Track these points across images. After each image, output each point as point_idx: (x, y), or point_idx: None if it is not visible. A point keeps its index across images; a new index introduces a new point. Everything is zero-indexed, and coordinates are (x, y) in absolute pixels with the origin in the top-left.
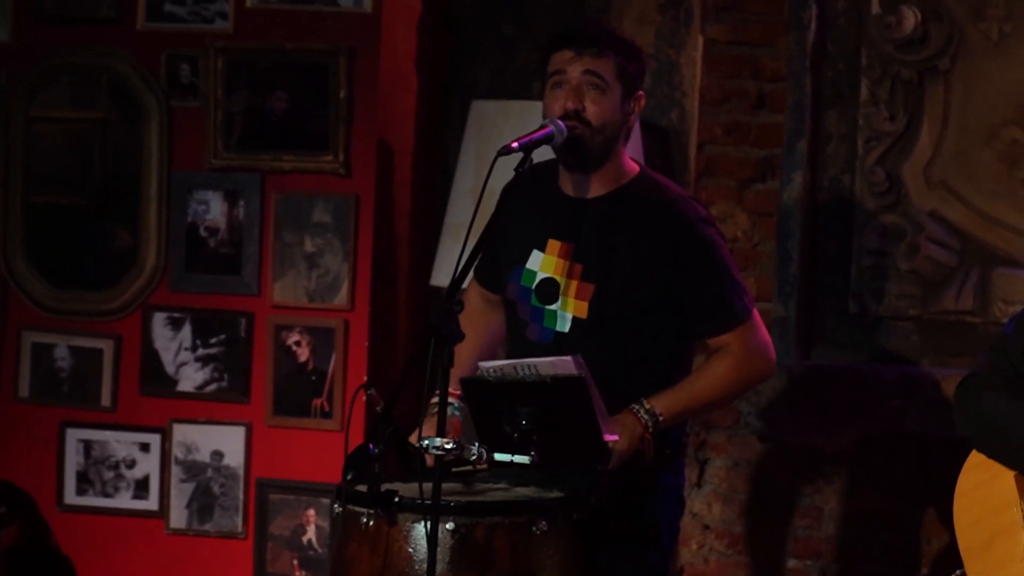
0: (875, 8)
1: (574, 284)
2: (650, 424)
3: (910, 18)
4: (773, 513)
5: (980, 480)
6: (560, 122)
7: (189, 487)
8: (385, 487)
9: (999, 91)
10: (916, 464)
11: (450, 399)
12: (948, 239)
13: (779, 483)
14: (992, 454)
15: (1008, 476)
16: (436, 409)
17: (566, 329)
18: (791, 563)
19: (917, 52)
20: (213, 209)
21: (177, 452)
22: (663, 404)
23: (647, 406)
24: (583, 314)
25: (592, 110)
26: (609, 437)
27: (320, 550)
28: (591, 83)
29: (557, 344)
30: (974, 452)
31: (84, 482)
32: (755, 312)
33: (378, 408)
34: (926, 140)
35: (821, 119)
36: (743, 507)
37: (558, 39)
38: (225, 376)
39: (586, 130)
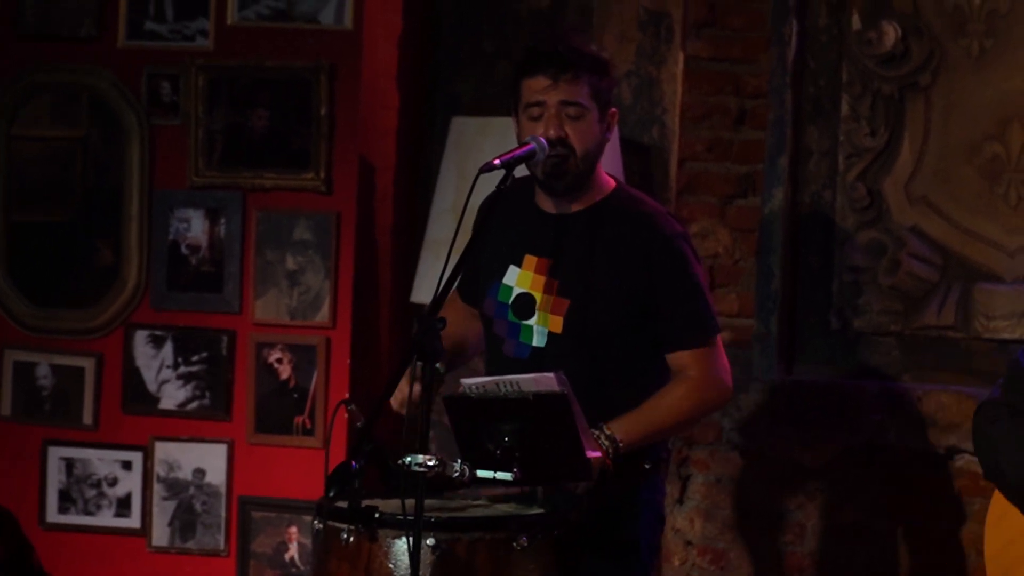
0: (856, 24)
1: (550, 299)
2: (610, 450)
3: (891, 34)
4: (756, 529)
5: (1008, 507)
6: (542, 139)
7: (171, 505)
8: (365, 503)
9: (980, 106)
10: (898, 480)
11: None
12: (929, 255)
13: (761, 499)
14: (1001, 488)
15: None
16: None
17: (543, 344)
18: None
19: (898, 68)
20: (194, 227)
21: (159, 470)
22: (623, 430)
23: (608, 432)
24: (559, 329)
25: (575, 137)
26: (592, 454)
27: (303, 567)
28: (569, 113)
29: (533, 359)
30: None
31: (66, 500)
32: (719, 338)
33: (358, 423)
34: (907, 156)
35: (802, 135)
36: (725, 523)
37: (530, 63)
38: (207, 394)
39: (572, 156)
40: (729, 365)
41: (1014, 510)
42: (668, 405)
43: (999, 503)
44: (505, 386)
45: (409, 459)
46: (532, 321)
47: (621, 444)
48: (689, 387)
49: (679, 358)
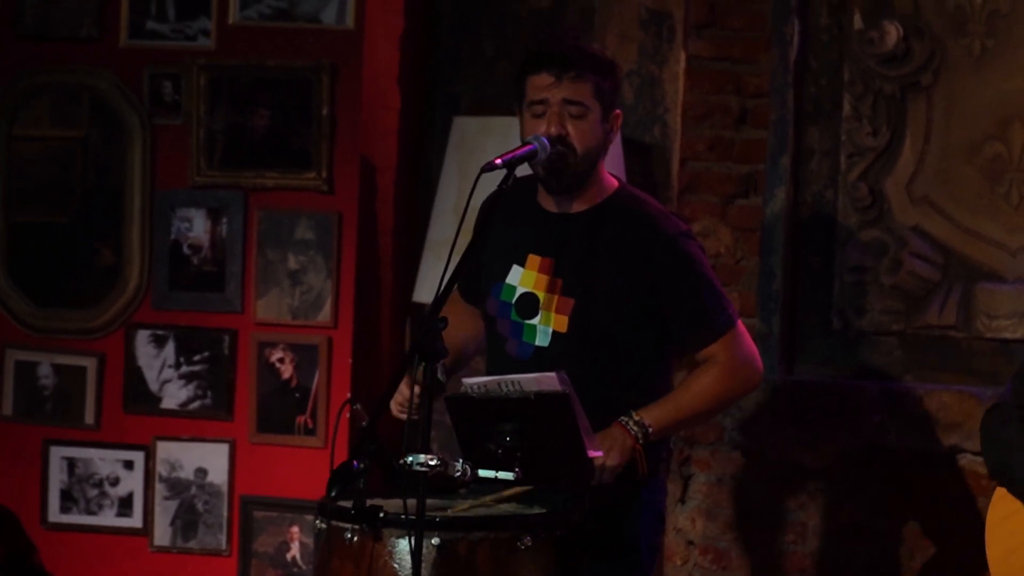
0: (857, 24)
1: (555, 299)
2: (640, 436)
3: (892, 33)
4: (757, 529)
5: (1011, 510)
6: (544, 139)
7: (173, 504)
8: (369, 503)
9: (981, 106)
10: (900, 479)
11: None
12: (931, 254)
13: (763, 499)
14: (1012, 492)
15: None
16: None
17: (546, 343)
18: None
19: (899, 67)
20: (196, 227)
21: (161, 469)
22: (652, 416)
23: (636, 418)
24: (563, 328)
25: (575, 136)
26: (593, 453)
27: (304, 567)
28: (571, 111)
29: (537, 359)
30: None
31: (68, 500)
32: (739, 322)
33: (363, 423)
34: (908, 155)
35: (804, 135)
36: (727, 523)
37: (535, 61)
38: (209, 393)
39: (571, 154)
40: (756, 348)
41: (1018, 515)
42: (698, 390)
43: (1001, 505)
44: (506, 385)
45: (411, 459)
46: (536, 320)
47: (651, 429)
48: (718, 372)
49: (705, 352)
